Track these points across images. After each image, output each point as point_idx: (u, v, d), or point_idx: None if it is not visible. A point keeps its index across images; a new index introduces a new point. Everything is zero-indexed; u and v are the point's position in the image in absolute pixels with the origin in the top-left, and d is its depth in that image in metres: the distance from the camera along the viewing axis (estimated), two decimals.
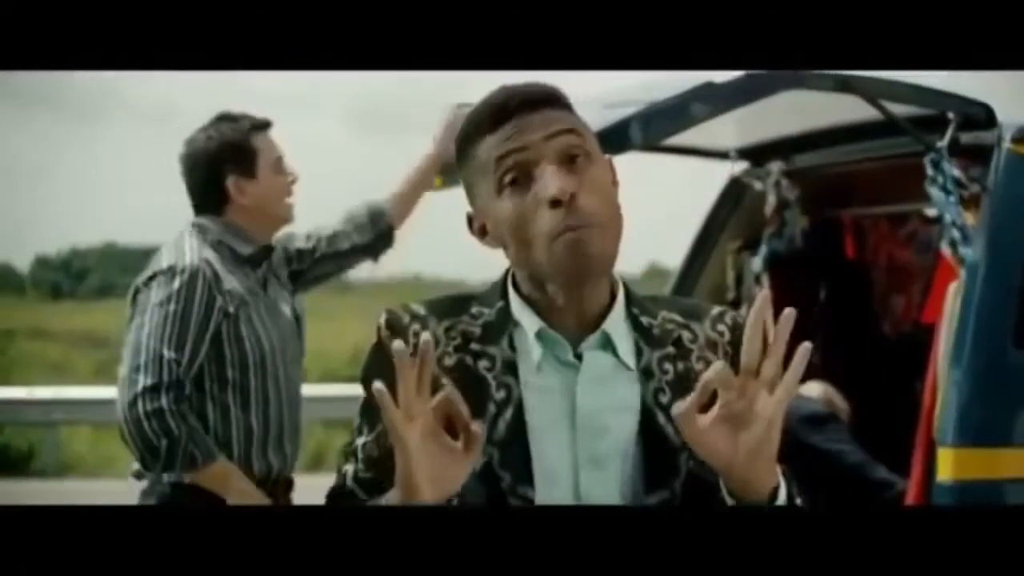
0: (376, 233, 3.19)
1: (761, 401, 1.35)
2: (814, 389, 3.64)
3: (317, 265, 3.15)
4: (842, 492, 3.34)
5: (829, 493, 3.43)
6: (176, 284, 2.73)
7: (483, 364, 1.48)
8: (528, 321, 1.50)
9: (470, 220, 1.55)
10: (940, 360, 3.07)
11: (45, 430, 9.96)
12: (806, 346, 1.38)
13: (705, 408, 1.35)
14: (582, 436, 1.47)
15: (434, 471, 1.33)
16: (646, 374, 1.49)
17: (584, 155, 1.46)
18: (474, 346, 1.49)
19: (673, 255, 4.67)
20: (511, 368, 1.48)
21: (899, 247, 4.36)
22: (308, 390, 3.32)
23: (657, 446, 1.47)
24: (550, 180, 1.42)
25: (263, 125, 2.94)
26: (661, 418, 1.47)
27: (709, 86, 2.91)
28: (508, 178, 1.45)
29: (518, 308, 1.51)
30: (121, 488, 2.94)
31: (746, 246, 4.34)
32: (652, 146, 3.68)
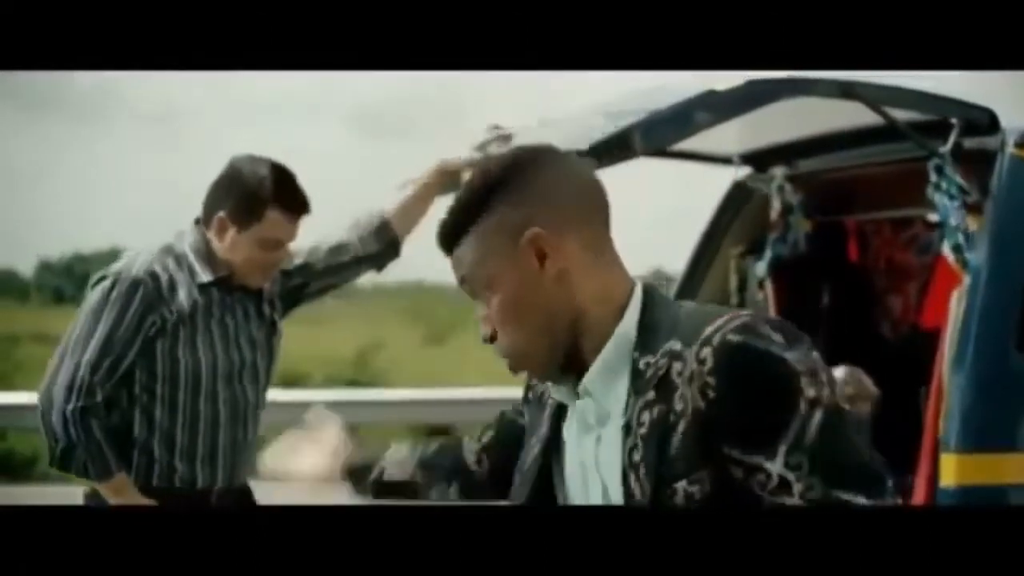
0: (381, 245, 3.18)
1: None
2: (840, 372, 3.63)
3: (320, 277, 3.15)
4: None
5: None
6: (114, 293, 2.76)
7: (551, 401, 1.59)
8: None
9: None
10: (944, 365, 3.07)
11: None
12: None
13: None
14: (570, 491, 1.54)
15: None
16: (626, 430, 1.41)
17: (482, 288, 1.49)
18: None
19: (676, 260, 4.67)
20: (559, 409, 1.57)
21: (901, 251, 4.36)
22: (309, 395, 3.32)
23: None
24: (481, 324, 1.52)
25: (294, 209, 2.86)
26: (631, 477, 1.39)
27: (711, 94, 2.91)
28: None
29: None
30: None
31: (749, 251, 4.34)
32: (655, 152, 3.68)
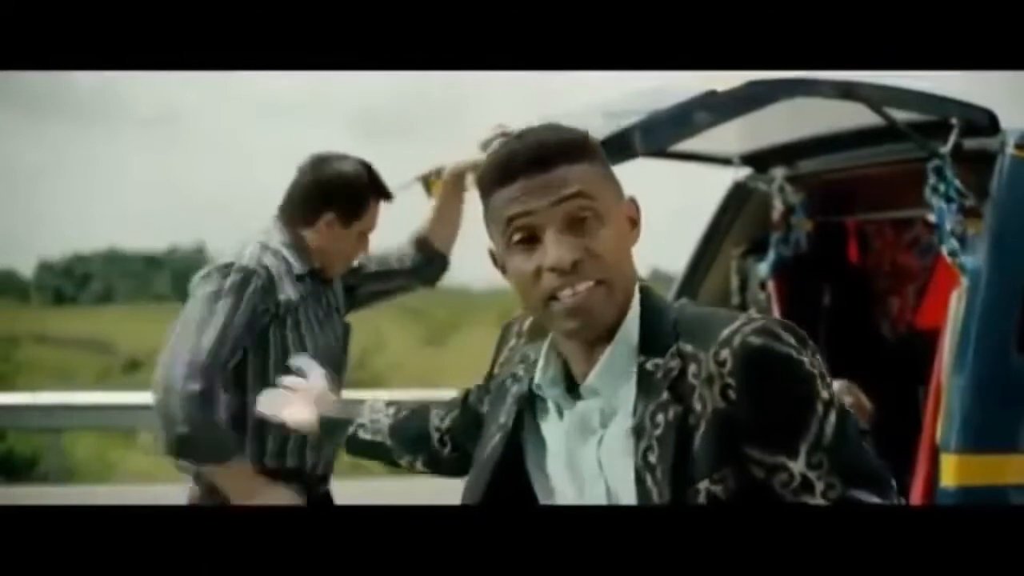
0: (423, 258, 3.26)
1: None
2: (837, 384, 3.64)
3: (366, 283, 3.24)
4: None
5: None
6: (228, 281, 2.79)
7: (513, 390, 1.58)
8: (544, 364, 1.54)
9: (493, 256, 1.57)
10: (944, 365, 3.07)
11: (49, 436, 9.94)
12: None
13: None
14: (557, 483, 1.53)
15: None
16: (638, 433, 1.42)
17: (593, 216, 1.43)
18: (519, 370, 1.59)
19: (676, 260, 4.68)
20: (523, 400, 1.56)
21: (902, 252, 4.36)
22: None
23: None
24: (552, 249, 1.42)
25: (385, 195, 2.99)
26: (648, 479, 1.39)
27: (712, 94, 2.91)
28: (516, 238, 1.45)
29: (547, 350, 1.55)
30: (124, 493, 2.96)
31: (750, 251, 4.34)
32: (656, 152, 3.69)
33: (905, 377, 3.92)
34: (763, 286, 4.28)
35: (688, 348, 1.41)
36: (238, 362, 2.81)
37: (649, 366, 1.43)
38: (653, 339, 1.45)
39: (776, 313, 4.22)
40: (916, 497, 3.04)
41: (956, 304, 3.06)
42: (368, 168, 2.96)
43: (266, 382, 2.79)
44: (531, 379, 1.55)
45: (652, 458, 1.39)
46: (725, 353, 1.36)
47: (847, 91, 3.03)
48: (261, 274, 2.82)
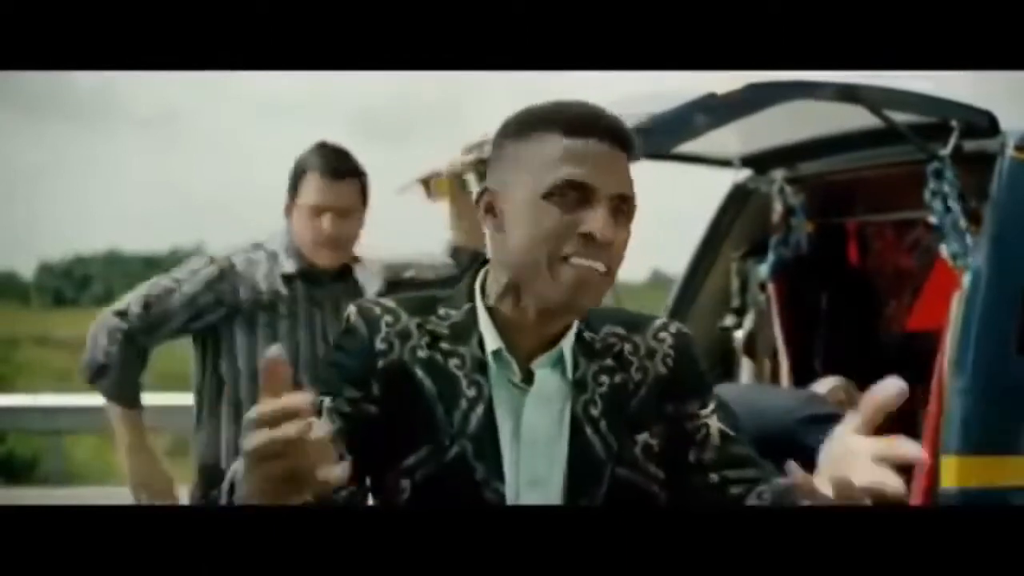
0: (462, 264, 3.26)
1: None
2: (829, 383, 3.64)
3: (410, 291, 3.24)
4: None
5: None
6: (193, 264, 2.92)
7: (454, 362, 1.52)
8: (488, 337, 1.53)
9: (481, 194, 1.55)
10: (945, 367, 3.07)
11: (49, 437, 9.94)
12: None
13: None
14: (525, 456, 1.51)
15: (279, 494, 1.18)
16: (579, 386, 1.54)
17: (626, 217, 1.49)
18: (443, 345, 1.53)
19: (676, 263, 4.68)
20: (482, 367, 1.52)
21: (902, 254, 4.36)
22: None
23: (582, 457, 1.52)
24: (597, 219, 1.45)
25: (330, 172, 2.93)
26: (588, 429, 1.53)
27: (711, 97, 2.91)
28: (561, 195, 1.45)
29: (483, 320, 1.54)
30: (125, 495, 2.95)
31: (750, 253, 4.34)
32: (655, 155, 3.69)
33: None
34: (763, 288, 4.28)
35: (620, 331, 1.59)
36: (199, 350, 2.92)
37: (586, 336, 1.57)
38: (585, 319, 1.57)
39: (776, 314, 4.23)
40: (917, 499, 3.04)
41: (957, 305, 3.06)
42: (320, 145, 2.97)
43: (215, 374, 2.92)
44: (479, 347, 1.52)
45: (594, 411, 1.54)
46: (663, 334, 1.61)
47: (847, 93, 3.03)
48: (223, 265, 2.88)
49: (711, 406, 1.61)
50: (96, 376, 2.88)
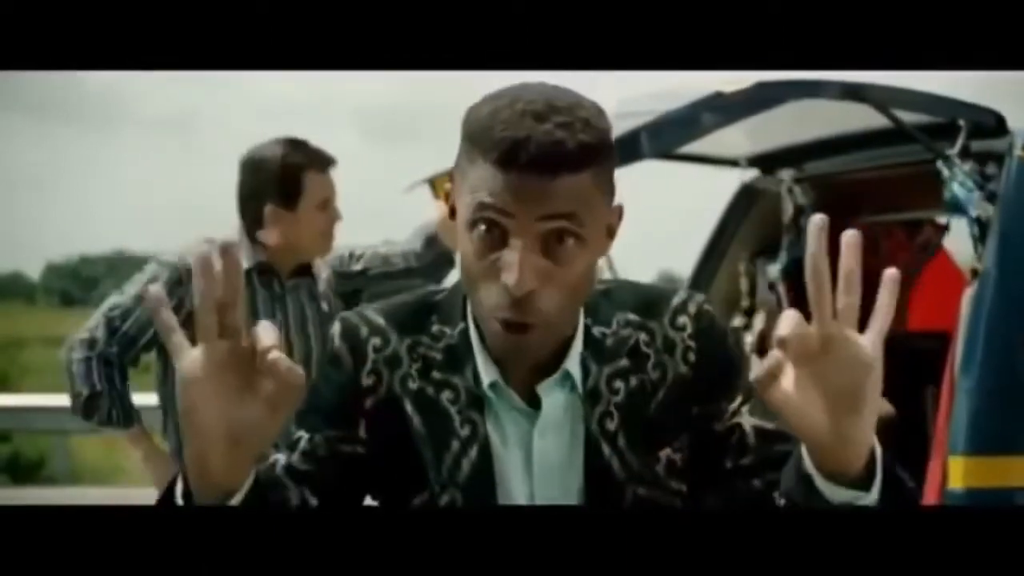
0: (431, 258, 3.23)
1: (850, 346, 1.16)
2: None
3: (371, 284, 3.23)
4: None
5: None
6: (147, 272, 2.91)
7: (446, 396, 1.37)
8: (483, 367, 1.36)
9: (446, 196, 1.39)
10: (955, 367, 3.06)
11: (55, 438, 9.96)
12: (891, 272, 1.18)
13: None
14: (539, 488, 1.37)
15: (225, 413, 1.11)
16: (593, 397, 1.36)
17: (575, 241, 1.26)
18: (436, 375, 1.37)
19: (684, 263, 4.68)
20: (476, 402, 1.36)
21: (911, 253, 4.35)
22: None
23: (600, 481, 1.36)
24: (513, 269, 1.24)
25: (322, 162, 2.96)
26: (606, 448, 1.35)
27: (719, 96, 2.90)
28: (482, 227, 1.26)
29: (477, 346, 1.37)
30: (131, 495, 2.97)
31: (758, 253, 4.34)
32: (663, 155, 3.68)
33: (914, 378, 3.91)
34: (772, 288, 4.28)
35: (634, 318, 1.40)
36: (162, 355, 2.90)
37: (596, 332, 1.38)
38: (592, 309, 1.39)
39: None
40: (929, 499, 3.03)
41: (967, 305, 3.05)
42: (293, 143, 2.95)
43: (170, 381, 2.89)
44: (474, 380, 1.37)
45: (611, 425, 1.35)
46: (683, 318, 1.40)
47: (854, 93, 3.02)
48: (180, 268, 2.81)
49: (739, 398, 1.40)
50: (88, 410, 2.85)
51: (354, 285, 3.18)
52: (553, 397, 1.37)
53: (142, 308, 2.80)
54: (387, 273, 3.22)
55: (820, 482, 1.19)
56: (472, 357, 1.37)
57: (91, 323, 2.86)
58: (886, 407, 3.67)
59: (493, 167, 1.24)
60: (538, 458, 1.36)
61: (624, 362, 1.38)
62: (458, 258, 1.33)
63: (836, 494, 1.19)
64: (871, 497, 1.20)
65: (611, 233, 1.36)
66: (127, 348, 2.85)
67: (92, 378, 2.82)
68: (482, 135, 1.26)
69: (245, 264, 2.89)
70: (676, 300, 1.41)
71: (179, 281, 2.79)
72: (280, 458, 1.37)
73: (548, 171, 1.23)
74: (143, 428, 2.91)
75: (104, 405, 2.83)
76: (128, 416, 2.87)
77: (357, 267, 3.18)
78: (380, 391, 1.37)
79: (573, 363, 1.37)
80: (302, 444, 1.36)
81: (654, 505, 1.37)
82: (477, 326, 1.37)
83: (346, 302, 3.16)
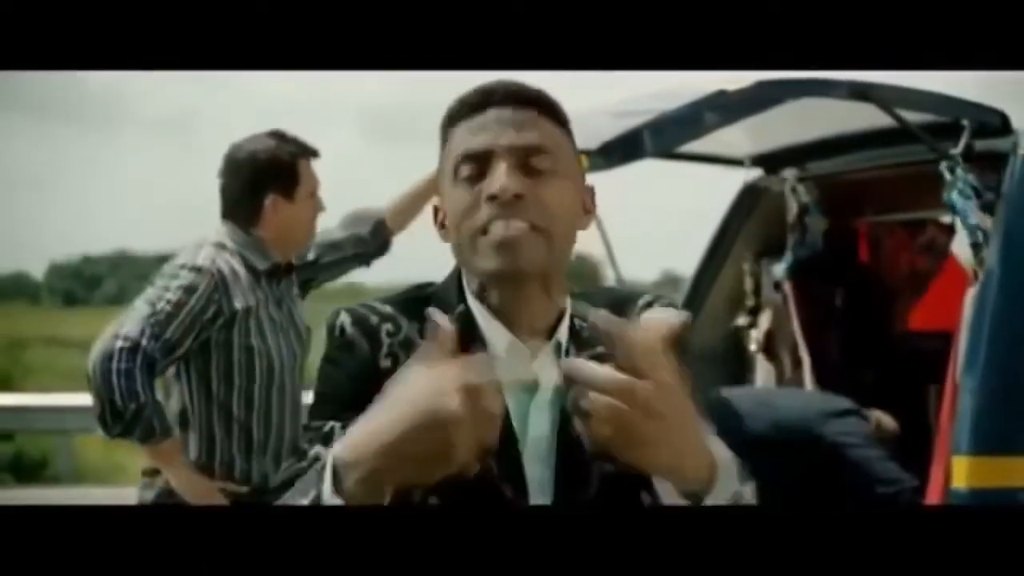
0: (376, 244, 3.29)
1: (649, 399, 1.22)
2: (878, 413, 3.66)
3: (320, 272, 3.24)
4: (847, 485, 3.35)
5: (834, 485, 3.44)
6: (182, 278, 2.79)
7: None
8: (495, 333, 1.43)
9: (435, 211, 1.49)
10: (958, 366, 3.05)
11: (59, 437, 9.97)
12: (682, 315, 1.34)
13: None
14: (528, 463, 1.41)
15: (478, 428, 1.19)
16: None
17: (550, 171, 1.39)
18: None
19: (687, 262, 4.68)
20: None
21: (914, 253, 4.35)
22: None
23: (572, 454, 1.39)
24: (498, 177, 1.36)
25: (310, 152, 2.99)
26: (579, 425, 1.31)
27: (721, 94, 2.90)
28: (465, 172, 1.39)
29: (481, 316, 1.44)
30: (134, 495, 2.96)
31: (762, 253, 4.34)
32: (665, 153, 3.68)
33: (918, 378, 3.91)
34: (777, 287, 4.28)
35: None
36: (184, 362, 2.82)
37: (576, 324, 1.46)
38: (574, 308, 1.48)
39: (794, 314, 4.23)
40: (932, 499, 3.03)
41: (970, 305, 3.05)
42: (278, 135, 2.97)
43: (231, 386, 2.84)
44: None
45: (585, 404, 1.32)
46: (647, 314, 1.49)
47: (857, 92, 3.02)
48: (215, 275, 2.79)
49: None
50: (132, 424, 2.71)
51: (307, 275, 3.18)
52: (547, 372, 1.43)
53: (185, 314, 2.73)
54: (337, 260, 3.25)
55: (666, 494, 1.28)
56: (479, 332, 1.43)
57: (127, 329, 2.71)
58: (888, 421, 3.67)
59: (468, 119, 1.40)
60: (531, 431, 1.42)
61: (600, 349, 1.36)
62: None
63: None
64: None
65: (587, 209, 1.47)
66: (166, 355, 2.75)
67: (137, 389, 2.68)
68: (455, 109, 1.42)
69: (260, 267, 2.89)
70: (642, 300, 1.52)
71: (215, 287, 2.78)
72: (321, 451, 1.36)
73: (521, 104, 1.40)
74: (177, 438, 2.81)
75: (148, 417, 2.70)
76: (167, 426, 2.76)
77: (311, 256, 3.19)
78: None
79: (563, 336, 1.45)
80: (338, 434, 1.36)
81: (621, 483, 1.39)
82: (478, 300, 1.44)
83: (304, 293, 3.17)
